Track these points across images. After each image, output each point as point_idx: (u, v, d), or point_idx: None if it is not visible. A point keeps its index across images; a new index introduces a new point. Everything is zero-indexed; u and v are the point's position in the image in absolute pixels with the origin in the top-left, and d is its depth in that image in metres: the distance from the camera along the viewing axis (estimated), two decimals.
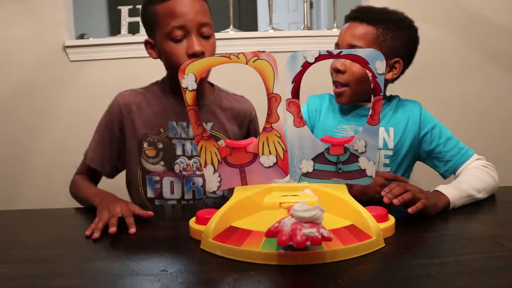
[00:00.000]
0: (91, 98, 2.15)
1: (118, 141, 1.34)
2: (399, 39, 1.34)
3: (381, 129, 1.34)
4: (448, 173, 1.33)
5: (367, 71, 0.97)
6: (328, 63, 1.25)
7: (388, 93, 1.45)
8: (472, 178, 1.19)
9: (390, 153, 1.34)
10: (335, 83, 1.36)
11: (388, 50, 1.32)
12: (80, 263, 0.88)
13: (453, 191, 1.10)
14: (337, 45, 1.36)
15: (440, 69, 2.24)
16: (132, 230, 0.98)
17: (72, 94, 2.22)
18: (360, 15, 1.34)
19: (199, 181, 1.30)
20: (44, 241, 0.99)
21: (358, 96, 1.35)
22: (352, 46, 1.30)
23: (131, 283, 0.74)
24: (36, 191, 2.24)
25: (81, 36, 2.33)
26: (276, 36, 2.25)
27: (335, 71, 1.34)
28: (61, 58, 2.21)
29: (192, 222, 0.96)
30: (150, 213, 1.08)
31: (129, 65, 2.21)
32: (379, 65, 0.96)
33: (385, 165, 1.34)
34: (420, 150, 1.37)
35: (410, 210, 1.00)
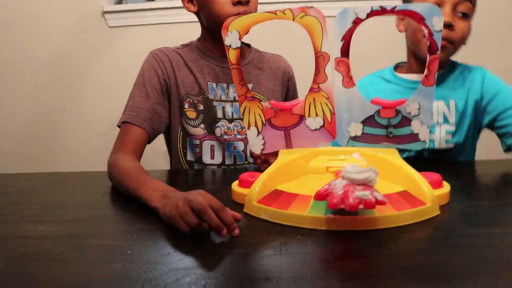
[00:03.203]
0: (129, 64, 2.12)
1: (164, 98, 1.24)
2: None
3: (441, 103, 1.26)
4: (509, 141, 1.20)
5: (423, 28, 0.90)
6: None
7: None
8: None
9: (452, 128, 1.25)
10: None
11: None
12: (118, 224, 0.86)
13: None
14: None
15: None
16: (237, 231, 0.73)
17: (110, 59, 2.22)
18: None
19: (240, 145, 1.26)
20: (82, 202, 0.97)
21: (451, 56, 1.27)
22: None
23: (172, 245, 0.71)
24: (73, 155, 2.26)
25: (119, 2, 2.31)
26: None
27: (446, 26, 1.18)
28: (100, 23, 2.20)
29: (235, 185, 0.92)
30: (239, 215, 0.76)
31: (167, 30, 2.19)
32: (436, 21, 0.89)
33: (448, 141, 1.25)
34: (484, 122, 1.27)
35: None
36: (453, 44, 1.22)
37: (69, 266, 0.65)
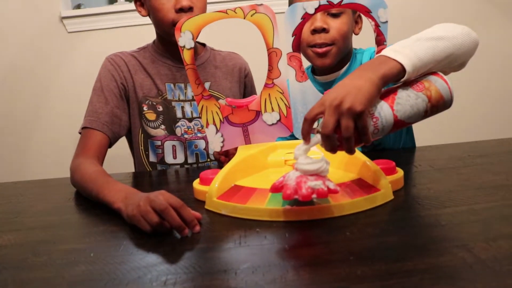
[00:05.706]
0: (92, 69, 2.12)
1: (123, 101, 1.25)
2: None
3: None
4: None
5: (369, 20, 0.93)
6: None
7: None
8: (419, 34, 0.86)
9: None
10: (315, 45, 1.20)
11: None
12: (82, 228, 0.87)
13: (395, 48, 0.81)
14: None
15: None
16: (197, 228, 0.75)
17: (72, 66, 2.20)
18: None
19: (201, 143, 1.28)
20: (48, 209, 0.98)
21: (341, 55, 1.22)
22: None
23: (134, 245, 0.73)
24: (42, 162, 2.24)
25: (78, 6, 2.29)
26: None
27: (317, 31, 1.18)
28: (58, 29, 2.18)
29: (196, 183, 0.94)
30: (199, 215, 0.79)
31: (128, 33, 2.18)
32: (382, 13, 0.92)
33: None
34: None
35: None
36: (335, 44, 1.20)
37: (35, 271, 0.66)
